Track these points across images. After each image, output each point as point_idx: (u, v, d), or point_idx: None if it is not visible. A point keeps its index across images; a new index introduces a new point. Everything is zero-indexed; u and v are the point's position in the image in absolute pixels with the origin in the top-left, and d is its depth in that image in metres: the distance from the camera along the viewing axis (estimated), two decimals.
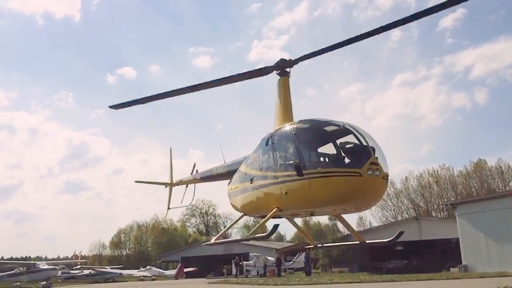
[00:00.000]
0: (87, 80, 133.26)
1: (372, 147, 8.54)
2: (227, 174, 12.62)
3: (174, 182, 17.85)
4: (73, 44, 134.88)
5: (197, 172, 15.96)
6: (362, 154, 8.36)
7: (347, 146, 8.70)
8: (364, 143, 8.52)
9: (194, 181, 16.02)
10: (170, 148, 20.14)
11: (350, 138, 8.77)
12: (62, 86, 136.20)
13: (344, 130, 8.91)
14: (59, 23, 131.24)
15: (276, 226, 9.37)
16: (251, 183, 10.40)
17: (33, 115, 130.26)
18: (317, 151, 8.90)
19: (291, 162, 8.98)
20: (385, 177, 8.56)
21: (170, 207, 17.77)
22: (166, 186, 18.11)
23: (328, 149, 8.87)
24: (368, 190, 8.38)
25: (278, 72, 10.95)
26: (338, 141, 8.84)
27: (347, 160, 8.57)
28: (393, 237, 10.73)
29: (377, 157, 8.43)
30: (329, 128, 9.09)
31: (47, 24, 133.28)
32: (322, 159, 8.75)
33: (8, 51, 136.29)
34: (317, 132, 9.16)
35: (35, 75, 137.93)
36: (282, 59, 10.82)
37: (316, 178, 8.46)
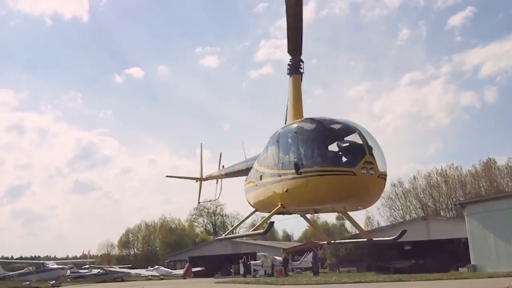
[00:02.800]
0: (95, 80, 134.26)
1: (370, 146, 8.61)
2: (246, 170, 12.77)
3: (204, 177, 18.46)
4: (81, 45, 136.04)
5: (223, 167, 16.38)
6: (357, 153, 8.45)
7: (343, 144, 8.80)
8: (360, 142, 8.59)
9: (221, 176, 16.50)
10: (201, 144, 20.71)
11: (347, 137, 8.87)
12: (71, 86, 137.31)
13: (343, 129, 9.02)
14: (68, 24, 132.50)
15: (271, 224, 9.64)
16: (260, 179, 10.65)
17: (42, 116, 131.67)
18: (315, 150, 8.99)
19: (291, 160, 9.20)
20: (381, 176, 8.60)
21: (200, 201, 18.74)
22: (196, 181, 18.80)
23: (326, 147, 8.93)
24: (362, 189, 8.45)
25: (291, 68, 11.01)
26: (336, 140, 8.91)
27: (342, 159, 8.67)
28: (396, 235, 10.92)
29: (373, 156, 8.49)
30: (328, 127, 9.18)
31: (56, 25, 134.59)
32: (318, 158, 8.84)
33: (17, 52, 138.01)
34: (316, 131, 9.23)
35: (44, 76, 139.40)
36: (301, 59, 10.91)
37: (312, 176, 8.64)
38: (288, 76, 11.13)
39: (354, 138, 8.77)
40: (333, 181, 8.40)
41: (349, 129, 8.96)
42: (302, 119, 9.99)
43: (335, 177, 8.39)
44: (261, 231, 10.00)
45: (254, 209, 11.66)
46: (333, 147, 8.85)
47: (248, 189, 11.72)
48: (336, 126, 9.14)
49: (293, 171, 8.95)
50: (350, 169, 8.28)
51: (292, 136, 9.50)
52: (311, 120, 9.64)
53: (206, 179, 18.18)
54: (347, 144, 8.78)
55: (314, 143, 9.07)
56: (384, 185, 8.91)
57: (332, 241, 14.54)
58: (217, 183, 16.88)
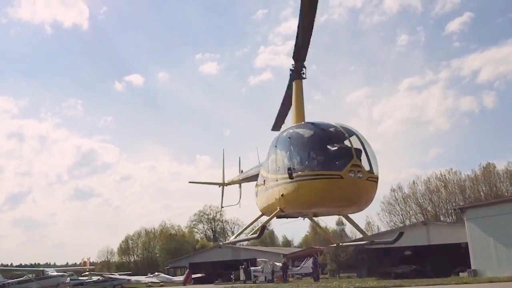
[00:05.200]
0: (95, 87, 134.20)
1: (358, 149, 8.81)
2: (257, 175, 12.98)
3: (225, 182, 18.97)
4: (81, 52, 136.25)
5: (241, 172, 16.60)
6: (345, 157, 8.65)
7: (332, 149, 8.99)
8: (349, 146, 8.78)
9: (240, 181, 17.00)
10: (223, 150, 20.94)
11: (337, 141, 9.04)
12: (71, 93, 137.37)
13: (332, 134, 9.21)
14: (68, 31, 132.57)
15: (263, 228, 9.84)
16: (264, 184, 10.92)
17: (43, 123, 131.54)
18: (305, 155, 9.19)
19: (285, 165, 9.45)
20: (371, 179, 8.76)
21: (223, 205, 19.28)
22: (219, 186, 19.30)
23: (317, 152, 9.11)
24: (350, 192, 8.64)
25: (291, 73, 11.12)
26: (325, 145, 9.09)
27: (330, 163, 8.82)
28: (394, 237, 11.28)
29: (361, 160, 8.69)
30: (318, 132, 9.38)
31: (56, 32, 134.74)
32: (308, 162, 9.04)
33: (18, 60, 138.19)
34: (306, 136, 9.45)
35: (44, 83, 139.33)
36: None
37: (302, 181, 8.88)
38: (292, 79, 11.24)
39: (343, 142, 8.94)
40: (321, 184, 8.62)
41: (338, 133, 9.12)
42: (296, 124, 10.23)
43: (323, 180, 8.59)
44: (255, 235, 10.20)
45: (261, 213, 11.77)
46: (322, 152, 9.02)
47: (257, 193, 11.99)
48: (326, 131, 9.33)
49: (287, 175, 9.18)
50: (337, 173, 8.48)
51: (286, 142, 9.74)
52: (303, 125, 9.93)
53: (228, 184, 18.58)
54: (335, 148, 8.95)
55: (304, 148, 9.28)
56: (375, 188, 9.04)
57: (340, 244, 14.87)
58: (239, 187, 17.24)
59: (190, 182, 23.20)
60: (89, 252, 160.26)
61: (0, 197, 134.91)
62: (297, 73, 11.10)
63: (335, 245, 13.55)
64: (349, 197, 8.75)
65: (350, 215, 10.95)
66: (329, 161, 8.84)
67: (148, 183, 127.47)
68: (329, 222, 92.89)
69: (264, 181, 10.84)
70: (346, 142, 8.85)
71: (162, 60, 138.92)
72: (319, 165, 8.82)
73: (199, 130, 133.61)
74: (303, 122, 10.34)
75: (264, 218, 11.53)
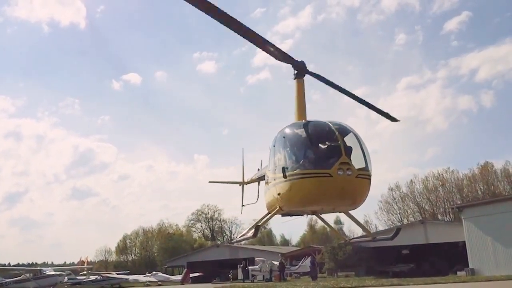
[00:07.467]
0: (93, 86, 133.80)
1: (349, 147, 8.83)
2: None
3: (245, 181, 19.05)
4: (78, 51, 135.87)
5: (258, 170, 16.78)
6: (334, 155, 8.64)
7: (322, 147, 9.02)
8: (338, 143, 8.76)
9: (257, 179, 16.94)
10: (242, 149, 20.99)
11: (327, 139, 9.03)
12: (68, 93, 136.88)
13: (324, 132, 9.21)
14: (65, 30, 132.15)
15: (258, 227, 9.98)
16: (267, 183, 10.98)
17: (40, 122, 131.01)
18: (296, 154, 9.24)
19: (280, 164, 9.55)
20: (361, 176, 8.74)
21: (243, 204, 19.11)
22: (239, 185, 19.40)
23: (307, 151, 9.15)
24: (339, 189, 8.61)
25: (295, 72, 11.08)
26: (316, 143, 9.13)
27: (319, 161, 8.84)
28: (392, 234, 11.14)
29: (351, 157, 8.69)
30: (310, 130, 9.40)
31: (53, 31, 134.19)
32: (299, 161, 9.08)
33: (15, 59, 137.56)
34: (298, 135, 9.47)
35: (41, 83, 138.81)
36: (303, 61, 10.98)
37: (295, 180, 8.93)
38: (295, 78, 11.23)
39: (333, 140, 8.92)
40: (311, 183, 8.66)
41: (329, 131, 9.10)
42: (292, 123, 10.25)
43: (312, 179, 8.63)
44: (250, 235, 10.24)
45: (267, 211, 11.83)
46: (312, 150, 9.06)
47: (264, 192, 12.04)
48: (317, 129, 9.36)
49: (282, 175, 9.28)
50: (326, 171, 8.49)
51: (281, 141, 9.82)
52: (297, 124, 9.96)
53: (248, 182, 18.68)
54: (325, 146, 8.99)
55: (296, 147, 9.34)
56: (367, 185, 9.02)
57: (347, 240, 14.93)
58: (258, 185, 17.37)
59: (210, 181, 23.07)
60: (86, 251, 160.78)
61: None
62: (299, 71, 11.10)
63: (344, 241, 13.62)
64: (339, 194, 8.74)
65: (351, 212, 10.95)
66: (318, 160, 8.86)
67: (146, 182, 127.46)
68: (327, 220, 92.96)
69: (267, 180, 10.94)
70: (336, 140, 8.85)
71: (159, 59, 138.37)
72: (309, 163, 8.86)
73: (197, 129, 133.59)
74: (302, 121, 10.36)
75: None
